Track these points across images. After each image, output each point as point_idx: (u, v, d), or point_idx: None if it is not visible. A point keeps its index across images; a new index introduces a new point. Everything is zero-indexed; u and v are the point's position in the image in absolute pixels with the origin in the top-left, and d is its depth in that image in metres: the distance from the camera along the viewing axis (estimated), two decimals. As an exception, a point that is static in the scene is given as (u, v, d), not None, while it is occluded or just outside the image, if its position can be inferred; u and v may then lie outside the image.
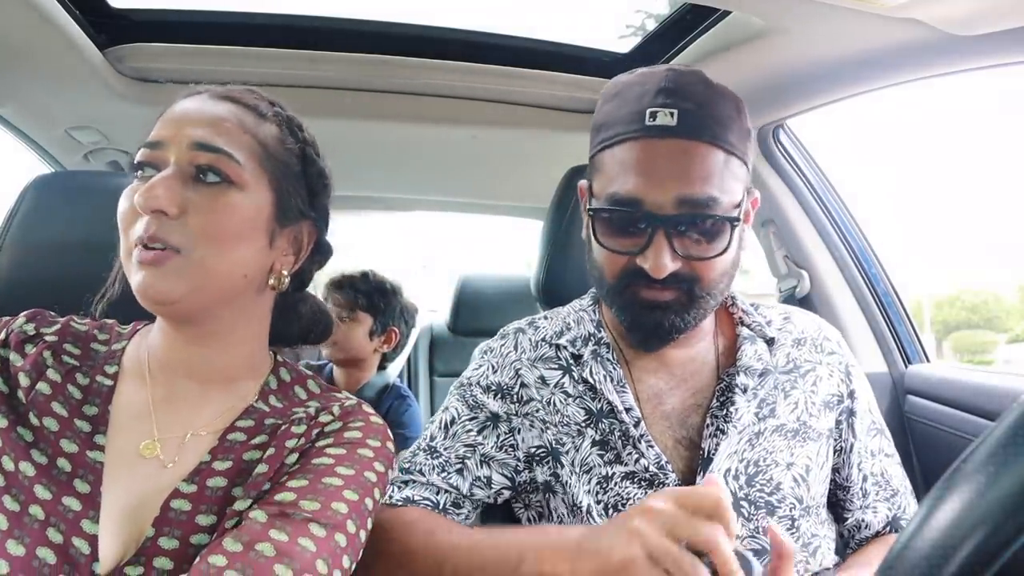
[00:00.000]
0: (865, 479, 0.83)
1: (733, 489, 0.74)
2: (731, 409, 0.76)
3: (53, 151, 1.51)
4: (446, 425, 0.83)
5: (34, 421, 0.59)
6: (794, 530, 0.75)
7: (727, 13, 1.07)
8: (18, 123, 1.41)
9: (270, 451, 0.61)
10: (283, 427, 0.64)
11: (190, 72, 1.33)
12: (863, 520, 0.82)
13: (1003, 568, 0.28)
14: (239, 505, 0.58)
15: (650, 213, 0.71)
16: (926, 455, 1.10)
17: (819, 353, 0.84)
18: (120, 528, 0.57)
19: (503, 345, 0.87)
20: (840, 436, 0.83)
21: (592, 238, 0.77)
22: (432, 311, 2.64)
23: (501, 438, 0.81)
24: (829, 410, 0.82)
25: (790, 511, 0.75)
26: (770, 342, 0.82)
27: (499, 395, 0.83)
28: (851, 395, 0.84)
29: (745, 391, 0.77)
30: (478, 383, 0.84)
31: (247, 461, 0.61)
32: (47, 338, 0.65)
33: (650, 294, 0.74)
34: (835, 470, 0.83)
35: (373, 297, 1.73)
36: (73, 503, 0.56)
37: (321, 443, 0.63)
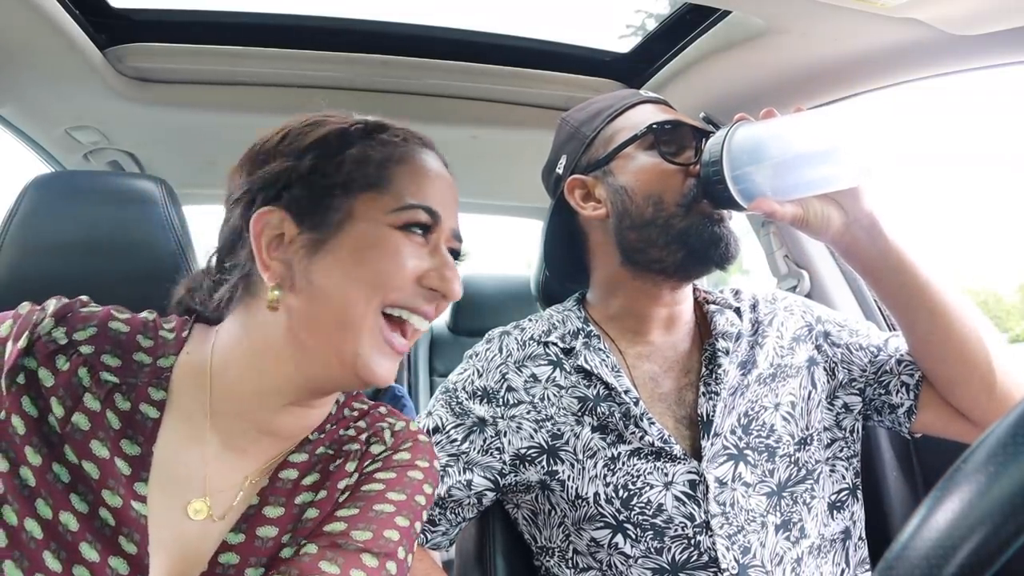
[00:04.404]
0: (872, 344, 0.86)
1: (735, 442, 0.78)
2: (719, 372, 0.80)
3: (53, 151, 1.51)
4: (429, 432, 0.84)
5: (71, 458, 0.53)
6: (794, 464, 0.79)
7: (727, 13, 1.07)
8: (18, 123, 1.41)
9: (322, 494, 0.58)
10: (335, 462, 0.60)
11: (190, 72, 1.33)
12: (896, 346, 0.85)
13: (1003, 568, 0.28)
14: (286, 552, 0.55)
15: (693, 127, 0.83)
16: (926, 455, 1.10)
17: (772, 303, 0.91)
18: None
19: (488, 349, 0.88)
20: (828, 356, 0.87)
21: (657, 160, 0.82)
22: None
23: (487, 441, 0.82)
24: (802, 343, 0.87)
25: (787, 448, 0.80)
26: (737, 311, 0.88)
27: (485, 399, 0.83)
28: (818, 320, 0.89)
29: (727, 353, 0.82)
30: (463, 388, 0.85)
31: (298, 506, 0.58)
32: (82, 349, 0.56)
33: (711, 209, 0.79)
34: (853, 378, 0.85)
35: None
36: (120, 565, 0.51)
37: (370, 468, 0.61)
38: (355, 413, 0.66)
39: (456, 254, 0.62)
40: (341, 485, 0.59)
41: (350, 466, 0.60)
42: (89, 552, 0.50)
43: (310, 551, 0.53)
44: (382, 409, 0.67)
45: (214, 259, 0.63)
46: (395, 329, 0.58)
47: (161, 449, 0.55)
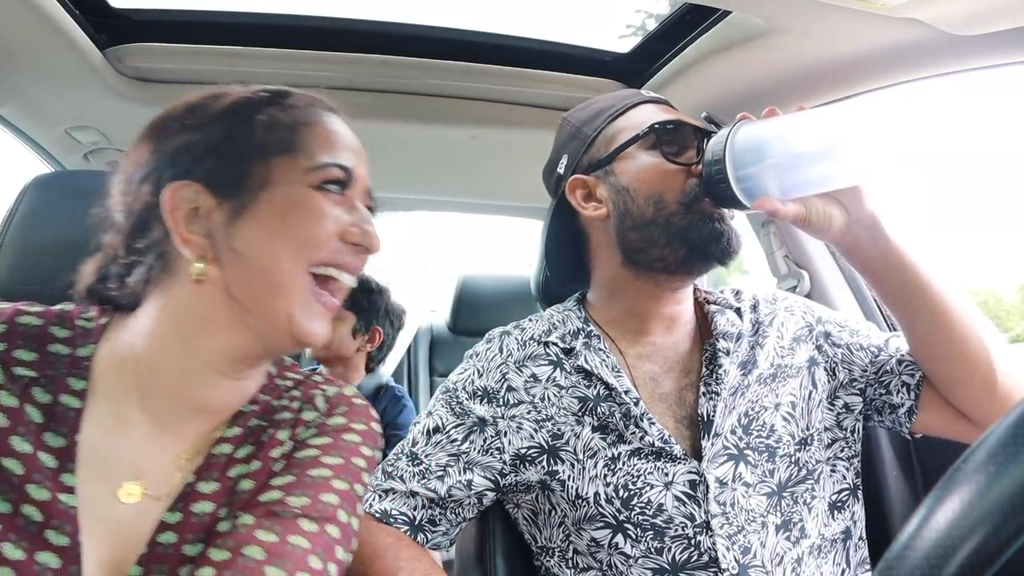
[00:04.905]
0: (873, 344, 0.86)
1: (735, 442, 0.78)
2: (719, 372, 0.80)
3: (53, 151, 1.51)
4: (429, 432, 0.84)
5: None
6: (794, 464, 0.79)
7: (727, 13, 1.07)
8: (18, 123, 1.41)
9: (255, 464, 0.58)
10: (268, 432, 0.60)
11: (190, 72, 1.33)
12: (897, 346, 0.86)
13: (1003, 568, 0.28)
14: (223, 526, 0.54)
15: (695, 126, 0.83)
16: (926, 455, 1.10)
17: (773, 304, 0.91)
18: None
19: (488, 349, 0.88)
20: (829, 356, 0.86)
21: (658, 160, 0.82)
22: (432, 311, 2.64)
23: (487, 441, 0.82)
24: (802, 343, 0.87)
25: (788, 448, 0.79)
26: (737, 311, 0.88)
27: (485, 399, 0.83)
28: (818, 320, 0.89)
29: (728, 353, 0.82)
30: (464, 388, 0.85)
31: (232, 478, 0.57)
32: None
33: (712, 208, 0.79)
34: (854, 378, 0.85)
35: (356, 295, 1.72)
36: (51, 559, 0.50)
37: (304, 435, 0.60)
38: (289, 383, 0.65)
39: (371, 211, 0.63)
40: (274, 454, 0.59)
41: (282, 434, 0.60)
42: (13, 552, 0.49)
43: (246, 521, 0.52)
44: (317, 377, 0.67)
45: (121, 242, 0.60)
46: (323, 288, 0.58)
47: (87, 438, 0.54)
